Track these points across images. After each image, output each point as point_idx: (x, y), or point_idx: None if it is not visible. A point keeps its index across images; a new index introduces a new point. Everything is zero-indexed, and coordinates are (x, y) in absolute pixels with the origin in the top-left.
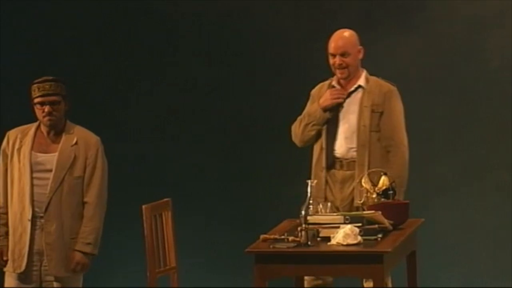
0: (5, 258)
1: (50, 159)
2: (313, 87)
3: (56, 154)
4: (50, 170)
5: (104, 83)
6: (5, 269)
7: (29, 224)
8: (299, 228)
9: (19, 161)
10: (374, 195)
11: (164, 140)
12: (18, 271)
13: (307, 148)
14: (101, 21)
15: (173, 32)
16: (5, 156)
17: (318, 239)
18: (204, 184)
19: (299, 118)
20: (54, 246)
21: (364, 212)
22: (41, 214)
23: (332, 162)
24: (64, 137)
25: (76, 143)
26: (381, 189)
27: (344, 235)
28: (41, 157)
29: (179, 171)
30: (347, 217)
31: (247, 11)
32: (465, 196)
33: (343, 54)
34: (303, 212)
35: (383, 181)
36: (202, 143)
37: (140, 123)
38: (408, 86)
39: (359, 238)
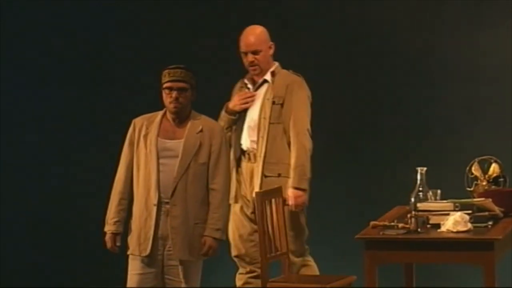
0: (118, 244)
1: (177, 145)
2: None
3: (183, 140)
4: (176, 156)
5: None
6: (129, 252)
7: (154, 209)
8: (408, 215)
9: (145, 147)
10: (485, 183)
11: None
12: (144, 254)
13: (419, 135)
14: None
15: None
16: (131, 142)
17: (428, 226)
18: (314, 171)
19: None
20: (179, 230)
21: (475, 199)
22: (167, 200)
23: (239, 154)
24: (189, 124)
25: (201, 131)
26: (491, 177)
27: (454, 222)
28: (167, 143)
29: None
30: (457, 204)
31: None
32: None
33: (254, 52)
34: (412, 199)
35: (494, 168)
36: (312, 130)
37: None
38: None
39: (469, 225)
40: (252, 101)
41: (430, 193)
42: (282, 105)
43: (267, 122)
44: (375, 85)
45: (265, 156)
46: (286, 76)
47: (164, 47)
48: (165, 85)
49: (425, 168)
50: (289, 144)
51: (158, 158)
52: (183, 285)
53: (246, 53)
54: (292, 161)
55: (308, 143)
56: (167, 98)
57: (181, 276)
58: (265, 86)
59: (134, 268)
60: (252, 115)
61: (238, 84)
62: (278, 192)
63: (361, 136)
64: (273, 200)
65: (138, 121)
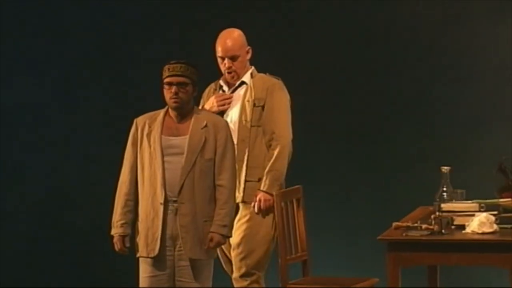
0: (127, 245)
1: (181, 142)
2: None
3: (187, 136)
4: (181, 153)
5: None
6: (138, 255)
7: (161, 208)
8: (432, 216)
9: (149, 146)
10: (511, 183)
11: (295, 126)
12: (152, 255)
13: (443, 133)
14: None
15: None
16: (134, 142)
17: (452, 227)
18: (336, 171)
19: None
20: (188, 229)
21: (500, 199)
22: (174, 198)
23: None
24: (193, 120)
25: (206, 126)
26: None
27: (479, 223)
28: (172, 140)
29: (311, 158)
30: (482, 204)
31: None
32: None
33: (232, 57)
34: (437, 199)
35: None
36: (334, 129)
37: None
38: None
39: (495, 226)
40: (229, 103)
41: (455, 193)
42: (263, 107)
43: (249, 125)
44: (399, 84)
45: (247, 160)
46: (265, 79)
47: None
48: (165, 81)
49: (449, 168)
50: (267, 147)
51: (163, 156)
52: (195, 285)
53: (223, 58)
54: (268, 163)
55: (288, 149)
56: (167, 94)
57: (192, 276)
58: (243, 88)
59: (145, 271)
60: (231, 117)
61: (212, 86)
62: (298, 192)
63: (383, 136)
64: (294, 201)
65: (140, 120)
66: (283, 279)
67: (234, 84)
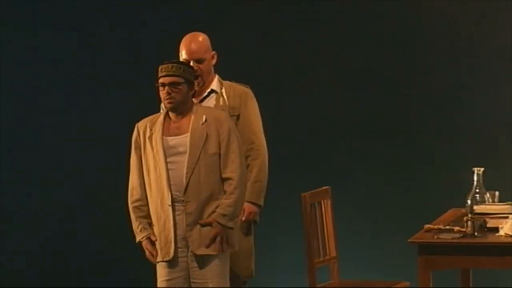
0: (153, 239)
1: (183, 140)
2: None
3: (188, 134)
4: (185, 152)
5: None
6: (155, 260)
7: (170, 210)
8: (465, 218)
9: (152, 149)
10: None
11: (323, 128)
12: (167, 258)
13: (476, 134)
14: None
15: None
16: (137, 147)
17: (485, 229)
18: (366, 172)
19: None
20: (194, 227)
21: None
22: (182, 198)
23: None
24: (193, 117)
25: (206, 121)
26: None
27: None
28: (173, 140)
29: (340, 159)
30: None
31: None
32: None
33: (198, 60)
34: (469, 201)
35: None
36: (364, 130)
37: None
38: None
39: None
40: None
41: (488, 195)
42: (237, 116)
43: None
44: (432, 84)
45: None
46: (235, 87)
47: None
48: (158, 82)
49: (482, 169)
50: (245, 157)
51: (166, 157)
52: (209, 285)
53: (188, 62)
54: (252, 175)
55: (266, 158)
56: (162, 95)
57: (205, 276)
58: (212, 97)
59: (161, 275)
60: None
61: None
62: (326, 193)
63: (415, 136)
64: (322, 202)
65: (141, 125)
66: (311, 282)
67: (202, 93)
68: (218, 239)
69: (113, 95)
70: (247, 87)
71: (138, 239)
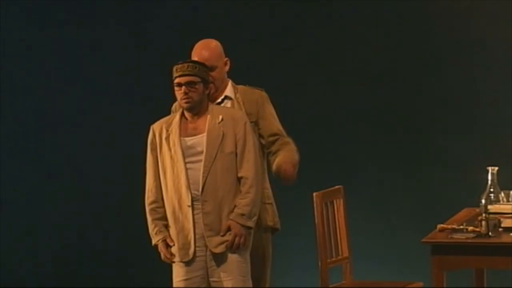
0: (171, 244)
1: (200, 140)
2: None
3: (205, 134)
4: (202, 152)
5: None
6: (172, 260)
7: (189, 210)
8: (479, 218)
9: (169, 150)
10: None
11: (336, 127)
12: (186, 259)
13: (489, 133)
14: None
15: None
16: (153, 148)
17: (500, 229)
18: (378, 171)
19: None
20: (212, 227)
21: None
22: (199, 197)
23: None
24: (209, 117)
25: (222, 120)
26: None
27: None
28: (190, 140)
29: (352, 158)
30: None
31: None
32: None
33: (210, 68)
34: (483, 201)
35: None
36: (376, 128)
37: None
38: None
39: None
40: None
41: (502, 194)
42: (255, 123)
43: None
44: (447, 83)
45: None
46: (250, 91)
47: None
48: (174, 82)
49: (496, 168)
50: (271, 144)
51: (184, 158)
52: (229, 284)
53: None
54: (286, 154)
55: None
56: (178, 95)
57: (225, 275)
58: (227, 104)
59: (178, 275)
60: None
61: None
62: (338, 192)
63: (428, 135)
64: (334, 201)
65: (156, 126)
66: (323, 282)
67: (216, 99)
68: (237, 239)
69: (126, 96)
70: (262, 90)
71: (154, 242)
